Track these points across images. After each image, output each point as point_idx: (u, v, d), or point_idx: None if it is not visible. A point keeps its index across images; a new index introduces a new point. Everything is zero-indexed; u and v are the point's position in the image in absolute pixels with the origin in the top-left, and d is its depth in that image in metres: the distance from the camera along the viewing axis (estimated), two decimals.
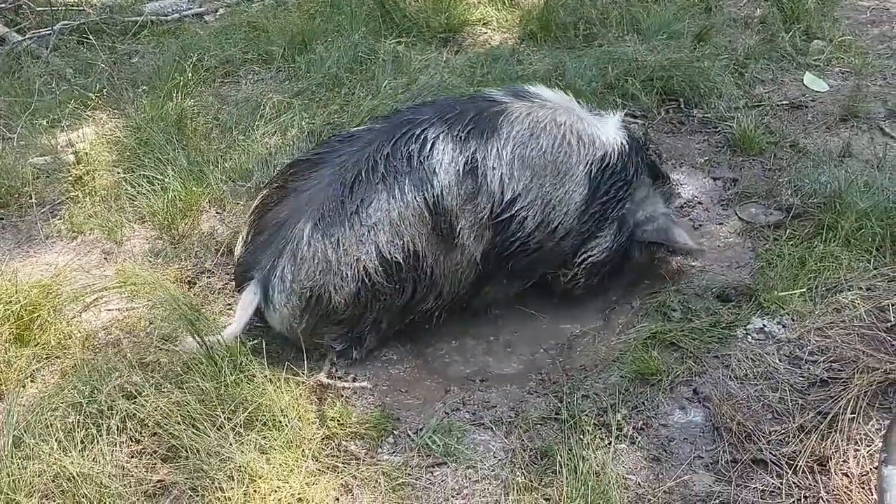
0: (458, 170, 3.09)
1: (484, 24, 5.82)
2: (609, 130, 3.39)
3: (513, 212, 3.18)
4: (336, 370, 3.15)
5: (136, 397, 2.81)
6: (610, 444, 2.73)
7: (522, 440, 2.80)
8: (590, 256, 3.44)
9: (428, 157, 3.08)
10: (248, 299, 3.09)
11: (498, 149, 3.15)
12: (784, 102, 4.80)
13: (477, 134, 3.16)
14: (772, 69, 5.14)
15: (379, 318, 3.17)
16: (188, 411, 2.73)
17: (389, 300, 3.11)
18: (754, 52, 5.21)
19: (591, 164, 3.30)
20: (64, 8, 6.43)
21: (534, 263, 3.41)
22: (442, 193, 3.06)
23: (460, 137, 3.13)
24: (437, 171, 3.07)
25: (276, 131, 4.57)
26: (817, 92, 4.92)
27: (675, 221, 3.62)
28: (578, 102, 3.51)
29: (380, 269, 3.02)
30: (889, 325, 3.06)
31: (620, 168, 3.36)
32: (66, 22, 6.08)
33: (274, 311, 3.08)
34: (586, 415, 2.84)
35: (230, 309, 3.44)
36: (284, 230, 3.07)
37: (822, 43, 5.35)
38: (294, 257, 3.02)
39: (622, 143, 3.38)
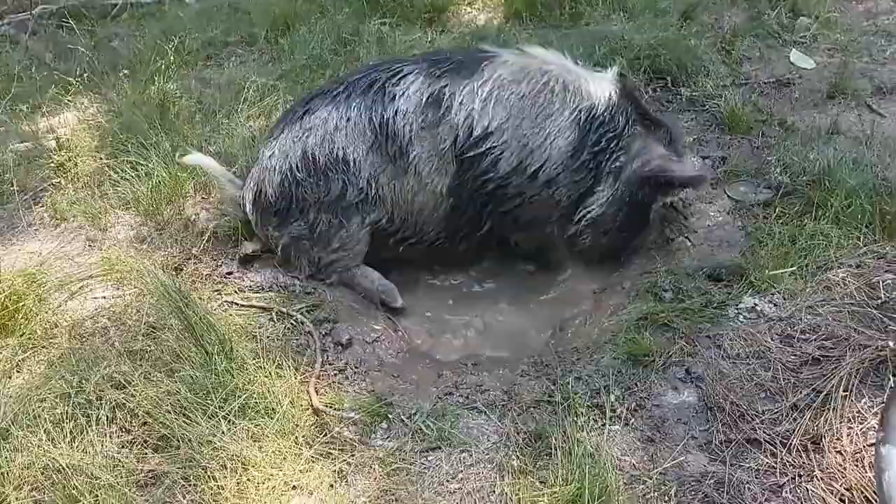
0: (421, 99, 3.25)
1: (469, 3, 5.80)
2: (599, 84, 3.42)
3: (483, 149, 3.26)
4: (328, 356, 3.12)
5: (125, 387, 2.78)
6: (604, 425, 2.72)
7: (516, 423, 2.78)
8: (589, 212, 3.44)
9: (394, 84, 3.29)
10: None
11: (473, 88, 3.27)
12: (771, 80, 4.79)
13: (454, 73, 3.32)
14: (758, 46, 5.12)
15: (305, 208, 3.37)
16: (179, 400, 2.70)
17: (311, 193, 3.34)
18: (741, 29, 5.20)
19: (580, 111, 3.33)
20: None
21: (524, 214, 3.42)
22: (395, 115, 3.25)
23: (434, 74, 3.31)
24: (396, 97, 3.27)
25: (260, 114, 4.53)
26: (804, 69, 4.91)
27: (673, 159, 3.51)
28: (576, 63, 3.55)
29: (300, 164, 3.33)
30: (879, 302, 3.06)
31: (609, 119, 3.38)
32: (44, 6, 6.02)
33: (245, 208, 3.53)
34: (580, 397, 2.82)
35: (218, 294, 3.41)
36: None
37: (808, 20, 5.35)
38: (259, 164, 3.49)
39: (610, 96, 3.40)
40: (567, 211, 3.46)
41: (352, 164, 3.28)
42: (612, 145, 3.38)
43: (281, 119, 3.63)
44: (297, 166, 3.33)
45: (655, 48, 4.78)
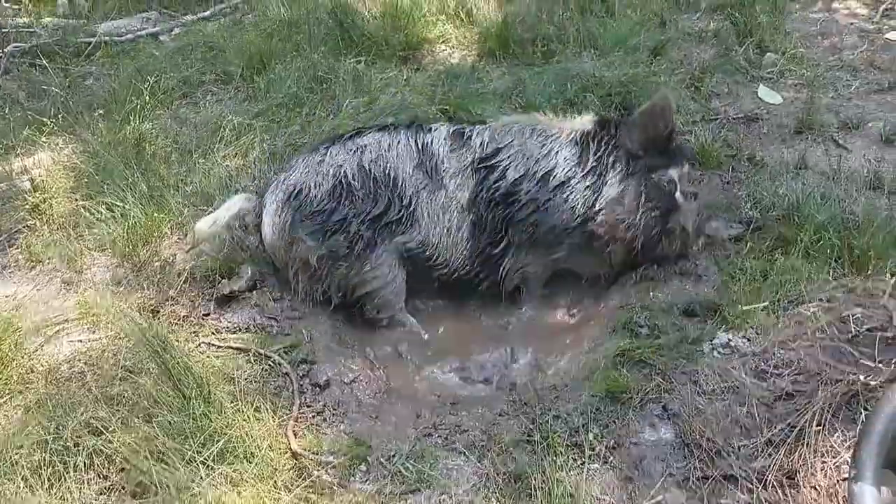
0: (449, 131, 3.75)
1: (443, 41, 5.84)
2: (580, 120, 3.82)
3: (494, 161, 3.64)
4: (306, 398, 3.12)
5: (102, 433, 2.76)
6: (583, 464, 2.73)
7: (496, 464, 2.79)
8: (609, 194, 3.63)
9: (429, 125, 3.81)
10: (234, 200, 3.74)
11: (484, 127, 3.79)
12: (740, 115, 4.88)
13: (469, 124, 3.88)
14: (727, 82, 5.21)
15: (348, 219, 3.50)
16: (157, 446, 2.69)
17: (361, 205, 3.53)
18: (709, 65, 5.29)
19: (574, 132, 3.73)
20: (14, 30, 6.33)
21: (542, 221, 3.61)
22: (432, 141, 3.68)
23: (455, 123, 3.92)
24: (431, 129, 3.76)
25: (236, 153, 4.55)
26: (772, 104, 5.00)
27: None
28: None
29: (357, 174, 3.56)
30: (850, 336, 3.10)
31: (599, 131, 3.72)
32: (17, 44, 6.00)
33: (266, 212, 3.61)
34: (558, 435, 2.84)
35: (195, 336, 3.40)
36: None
37: (775, 56, 5.46)
38: (291, 169, 3.70)
39: (593, 120, 3.79)
40: (583, 221, 3.63)
41: (400, 182, 3.58)
42: (609, 147, 3.68)
43: (325, 140, 3.89)
44: (353, 176, 3.56)
45: (626, 85, 4.86)
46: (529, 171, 3.62)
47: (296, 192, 3.57)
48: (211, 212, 3.76)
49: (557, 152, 3.66)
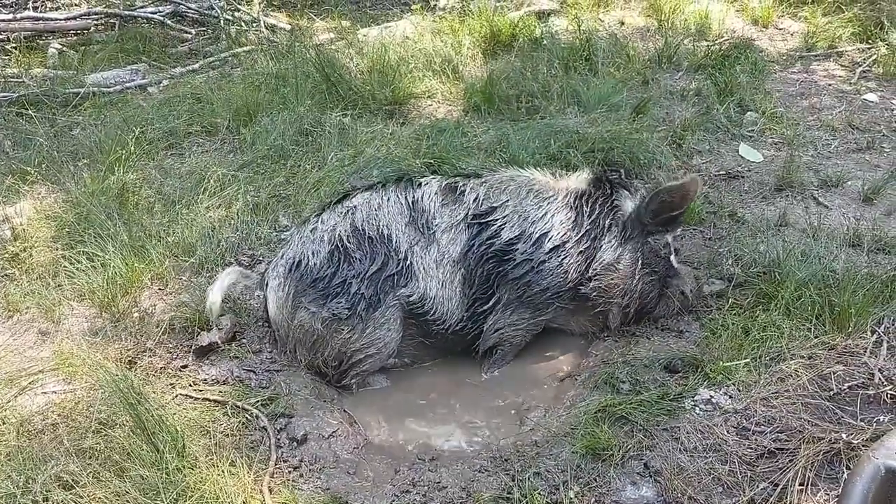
0: (440, 185, 3.72)
1: (429, 96, 5.90)
2: (576, 177, 3.82)
3: (488, 219, 3.62)
4: (282, 453, 3.07)
5: (73, 487, 2.71)
6: None
7: None
8: (602, 258, 3.63)
9: (418, 179, 3.79)
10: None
11: (479, 182, 3.76)
12: (721, 173, 4.94)
13: (462, 176, 3.86)
14: (708, 140, 5.29)
15: (347, 280, 3.47)
16: (127, 501, 2.63)
17: (359, 265, 3.50)
18: (691, 123, 5.37)
19: (568, 194, 3.71)
20: (3, 80, 6.36)
21: (536, 281, 3.59)
22: (422, 197, 3.66)
23: (448, 177, 3.85)
24: (421, 184, 3.74)
25: (220, 205, 4.55)
26: (752, 162, 5.07)
27: None
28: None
29: (352, 236, 3.54)
30: (831, 393, 3.11)
31: (595, 191, 3.71)
32: (5, 94, 6.02)
33: (269, 288, 3.59)
34: (539, 493, 2.80)
35: (172, 388, 3.35)
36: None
37: (755, 115, 5.55)
38: (287, 244, 3.73)
39: (589, 180, 3.77)
40: (575, 285, 3.63)
41: (394, 238, 3.56)
42: (605, 209, 3.67)
43: (314, 209, 3.95)
44: (348, 238, 3.54)
45: (609, 141, 4.91)
46: (525, 233, 3.59)
47: (295, 264, 3.54)
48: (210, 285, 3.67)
49: (553, 216, 3.62)
